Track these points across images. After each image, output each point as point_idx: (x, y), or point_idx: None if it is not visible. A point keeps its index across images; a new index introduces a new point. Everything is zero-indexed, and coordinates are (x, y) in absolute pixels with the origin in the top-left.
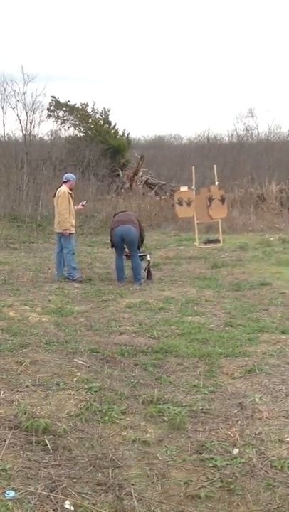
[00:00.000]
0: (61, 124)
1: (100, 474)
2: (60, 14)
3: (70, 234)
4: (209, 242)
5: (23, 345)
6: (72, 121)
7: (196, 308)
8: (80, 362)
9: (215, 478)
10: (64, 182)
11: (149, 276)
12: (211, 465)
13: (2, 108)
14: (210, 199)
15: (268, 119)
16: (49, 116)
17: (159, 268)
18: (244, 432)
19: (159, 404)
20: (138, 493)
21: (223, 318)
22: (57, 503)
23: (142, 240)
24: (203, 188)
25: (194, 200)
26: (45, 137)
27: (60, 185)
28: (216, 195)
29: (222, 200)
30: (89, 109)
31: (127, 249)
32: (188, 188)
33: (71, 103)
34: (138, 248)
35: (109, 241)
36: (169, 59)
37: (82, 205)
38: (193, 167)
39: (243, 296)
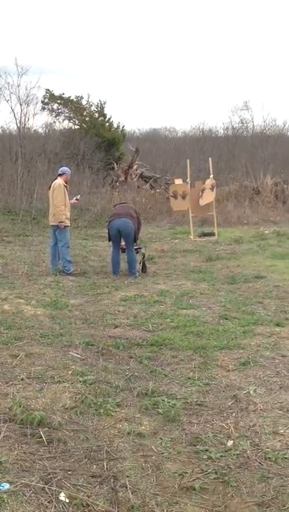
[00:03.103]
0: (56, 116)
1: (94, 466)
2: (54, 6)
3: (65, 227)
4: (204, 235)
5: (18, 338)
6: (66, 114)
7: (190, 301)
8: (75, 355)
9: (209, 470)
10: (59, 175)
11: (143, 269)
12: (205, 457)
13: None
14: (202, 190)
15: (263, 112)
16: (43, 108)
17: (153, 261)
18: (238, 424)
19: (154, 397)
20: (133, 485)
21: (217, 311)
22: (52, 495)
23: (137, 234)
24: (198, 182)
25: (189, 193)
26: (40, 130)
27: (55, 178)
28: (207, 185)
29: (212, 188)
30: (84, 102)
31: (123, 243)
32: (183, 181)
33: (65, 96)
34: (134, 241)
35: (106, 234)
36: (164, 52)
37: (77, 200)
38: (188, 160)
39: (237, 289)
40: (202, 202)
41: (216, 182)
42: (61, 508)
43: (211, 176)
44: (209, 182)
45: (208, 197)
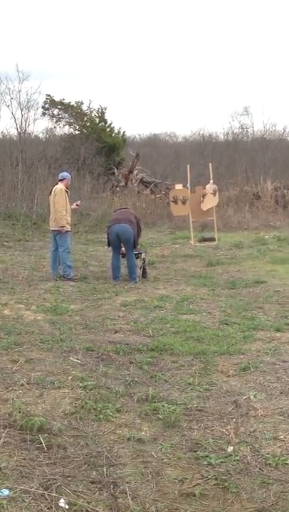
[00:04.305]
0: (56, 122)
1: (94, 472)
2: (54, 11)
3: (66, 232)
4: (204, 240)
5: (18, 343)
6: (67, 120)
7: (191, 306)
8: (75, 360)
9: (209, 476)
10: (60, 180)
11: (144, 274)
12: (205, 463)
13: None
14: (203, 196)
15: (264, 117)
16: (44, 114)
17: (154, 266)
18: (239, 430)
19: (154, 402)
20: (133, 491)
21: (218, 316)
22: (51, 501)
23: (136, 239)
24: (198, 186)
25: (189, 198)
26: (40, 135)
27: (56, 184)
28: (208, 190)
29: (214, 193)
30: (84, 107)
31: (123, 248)
32: (184, 186)
33: (66, 101)
34: (134, 247)
35: (105, 239)
36: (164, 57)
37: (77, 205)
38: (188, 165)
39: (238, 294)
40: (204, 206)
41: (217, 187)
42: None
43: (211, 180)
44: (210, 187)
45: (211, 202)
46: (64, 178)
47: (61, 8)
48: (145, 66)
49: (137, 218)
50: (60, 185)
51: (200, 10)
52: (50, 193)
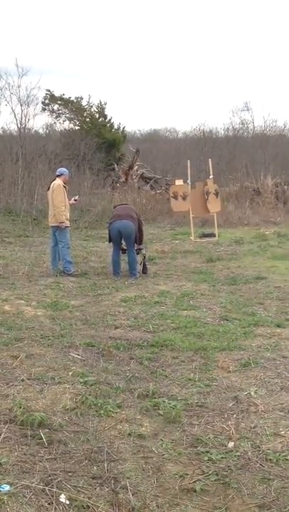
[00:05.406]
0: (56, 117)
1: (95, 468)
2: (54, 7)
3: (65, 227)
4: (205, 236)
5: (19, 339)
6: (67, 115)
7: (191, 302)
8: (76, 356)
9: (210, 472)
10: (57, 176)
11: (144, 270)
12: (206, 458)
13: None
14: (207, 193)
15: (264, 112)
16: (44, 109)
17: (154, 262)
18: (239, 426)
19: (155, 398)
20: (133, 486)
21: (218, 312)
22: (52, 496)
23: (140, 235)
24: (198, 182)
25: (190, 194)
26: (40, 131)
27: (54, 179)
28: (211, 188)
29: (216, 194)
30: (84, 103)
31: (124, 244)
32: (184, 182)
33: (66, 97)
34: (139, 243)
35: (107, 235)
36: (164, 53)
37: (75, 200)
38: (188, 161)
39: (238, 290)
40: (211, 208)
41: (217, 183)
42: (61, 509)
43: (211, 176)
44: (212, 185)
45: (216, 205)
46: (62, 174)
47: (62, 5)
48: (145, 61)
49: (137, 214)
50: (58, 181)
51: (200, 6)
52: (48, 188)
